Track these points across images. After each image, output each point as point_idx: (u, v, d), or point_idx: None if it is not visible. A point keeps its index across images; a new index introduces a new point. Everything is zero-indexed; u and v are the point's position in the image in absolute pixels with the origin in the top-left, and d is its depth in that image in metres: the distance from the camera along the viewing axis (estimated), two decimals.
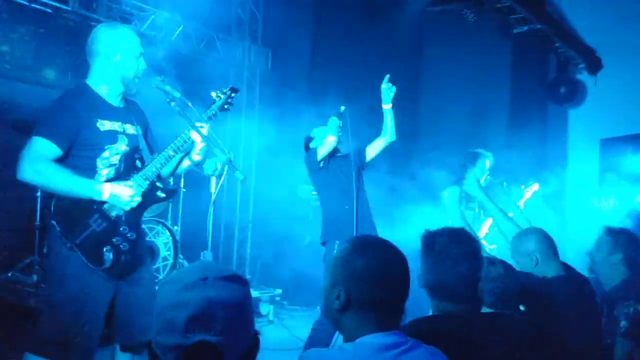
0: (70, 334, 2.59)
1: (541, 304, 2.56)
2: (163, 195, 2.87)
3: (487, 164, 5.40)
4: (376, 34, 7.29)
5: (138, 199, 2.70)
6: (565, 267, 2.86)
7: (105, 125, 2.72)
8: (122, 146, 2.75)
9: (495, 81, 7.78)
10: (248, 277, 7.71)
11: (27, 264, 5.35)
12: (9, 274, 5.28)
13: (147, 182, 2.74)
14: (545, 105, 8.53)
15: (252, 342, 1.27)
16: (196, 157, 2.95)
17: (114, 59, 2.75)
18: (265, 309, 6.63)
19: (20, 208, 6.04)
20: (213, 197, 2.61)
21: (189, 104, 2.90)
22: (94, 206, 2.62)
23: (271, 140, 7.08)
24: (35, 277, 5.28)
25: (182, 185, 6.47)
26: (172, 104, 2.87)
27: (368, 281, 1.61)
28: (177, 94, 2.88)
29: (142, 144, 2.88)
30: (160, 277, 5.74)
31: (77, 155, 2.64)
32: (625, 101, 7.98)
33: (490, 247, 5.56)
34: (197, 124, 2.85)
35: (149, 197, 2.77)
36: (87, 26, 6.65)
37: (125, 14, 6.79)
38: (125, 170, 2.72)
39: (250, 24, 8.11)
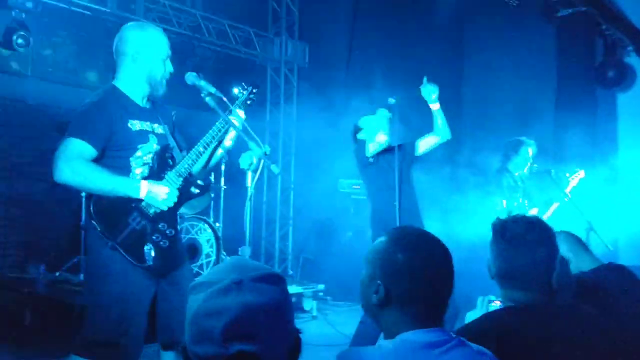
0: (115, 334, 2.59)
1: (595, 295, 2.44)
2: (197, 191, 2.87)
3: (530, 152, 5.23)
4: (415, 22, 7.16)
5: (174, 197, 2.70)
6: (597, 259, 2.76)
7: (136, 125, 2.72)
8: (154, 145, 2.75)
9: (541, 67, 7.54)
10: (290, 272, 7.71)
11: (74, 264, 5.45)
12: (57, 274, 5.39)
13: (181, 179, 2.75)
14: (593, 90, 8.24)
15: (294, 344, 1.19)
16: (228, 142, 2.94)
17: (140, 60, 2.75)
18: (308, 304, 6.61)
19: (66, 208, 6.18)
20: (250, 192, 2.57)
21: (224, 99, 2.88)
22: (132, 204, 2.62)
23: (310, 134, 7.05)
24: (82, 277, 5.37)
25: (222, 182, 6.49)
26: (208, 98, 2.86)
27: (408, 276, 1.53)
28: (213, 89, 2.87)
29: (172, 142, 2.88)
30: (204, 273, 5.76)
31: (111, 156, 2.65)
32: None
33: None
34: (234, 115, 2.85)
35: (183, 194, 2.77)
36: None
37: (163, 14, 6.85)
38: (158, 169, 2.72)
39: (286, 19, 8.09)
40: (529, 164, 5.44)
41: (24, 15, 5.49)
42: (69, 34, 6.53)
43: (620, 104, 8.38)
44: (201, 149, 2.77)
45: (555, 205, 5.30)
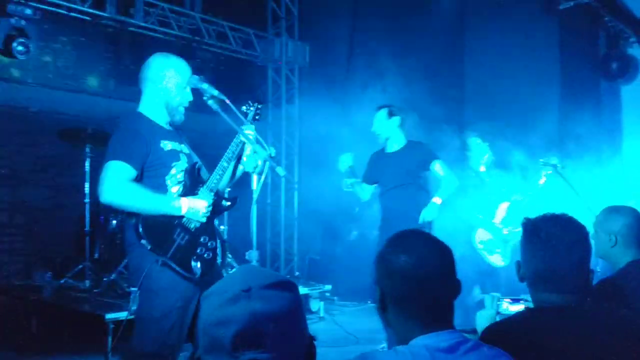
0: (165, 345, 2.71)
1: (620, 293, 2.38)
2: (228, 203, 3.00)
3: (479, 142, 5.51)
4: (415, 19, 7.12)
5: (210, 210, 2.83)
6: None
7: (167, 145, 2.83)
8: (184, 163, 2.87)
9: (544, 60, 7.51)
10: (297, 273, 7.68)
11: (80, 270, 5.43)
12: (63, 281, 5.37)
13: (212, 194, 2.87)
14: (597, 82, 8.21)
15: (308, 350, 1.17)
16: (245, 159, 3.05)
17: (161, 85, 2.86)
18: (315, 305, 6.58)
19: (70, 215, 6.16)
20: (255, 195, 2.56)
21: (227, 101, 2.89)
22: (175, 221, 2.75)
23: (313, 134, 7.02)
24: (87, 283, 5.36)
25: None
26: (210, 102, 2.89)
27: (400, 279, 1.51)
28: (216, 92, 2.90)
29: (198, 160, 3.01)
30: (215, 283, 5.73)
31: (148, 176, 2.77)
32: None
33: (505, 230, 5.44)
34: (246, 131, 2.94)
35: (216, 208, 2.91)
36: (126, 32, 6.74)
37: (163, 17, 6.83)
38: (191, 186, 2.85)
39: (286, 19, 8.05)
40: (486, 156, 5.56)
41: (23, 23, 5.47)
42: (69, 40, 6.51)
43: (624, 95, 8.35)
44: (225, 164, 2.90)
45: (505, 205, 5.41)
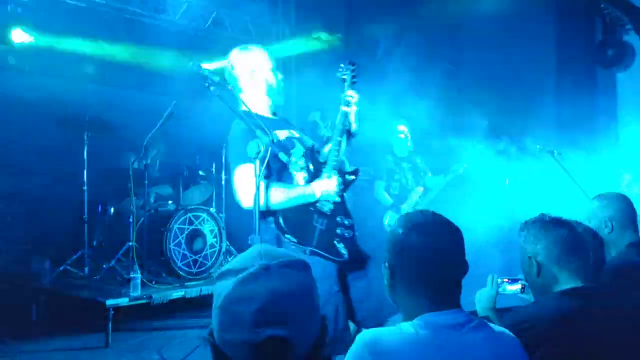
0: (337, 330, 2.73)
1: (628, 277, 2.44)
2: (352, 177, 3.00)
3: (402, 128, 5.80)
4: (410, 5, 7.10)
5: (340, 186, 2.86)
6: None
7: (280, 134, 2.87)
8: (300, 148, 2.90)
9: (540, 46, 7.53)
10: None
11: (79, 257, 5.45)
12: (61, 268, 5.39)
13: (336, 171, 2.88)
14: (593, 68, 8.23)
15: (321, 329, 1.19)
16: (354, 126, 3.03)
17: (251, 79, 2.91)
18: None
19: (68, 203, 6.16)
20: (258, 180, 2.57)
21: (229, 87, 2.89)
22: (310, 208, 2.80)
23: (311, 124, 7.01)
24: (87, 270, 5.38)
25: (223, 173, 6.47)
26: (212, 88, 2.86)
27: (409, 258, 1.56)
28: (217, 78, 2.87)
29: (311, 141, 3.02)
30: (208, 263, 5.78)
31: (273, 169, 2.82)
32: None
33: None
34: (347, 97, 2.96)
35: (343, 184, 2.92)
36: (122, 19, 6.71)
37: (159, 3, 6.80)
38: (314, 168, 2.88)
39: (283, 6, 8.02)
40: (409, 143, 5.88)
41: (19, 10, 5.45)
42: (65, 28, 6.48)
43: (620, 82, 8.38)
44: (338, 138, 2.91)
45: (419, 190, 5.71)
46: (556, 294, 1.90)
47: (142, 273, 5.09)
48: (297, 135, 2.98)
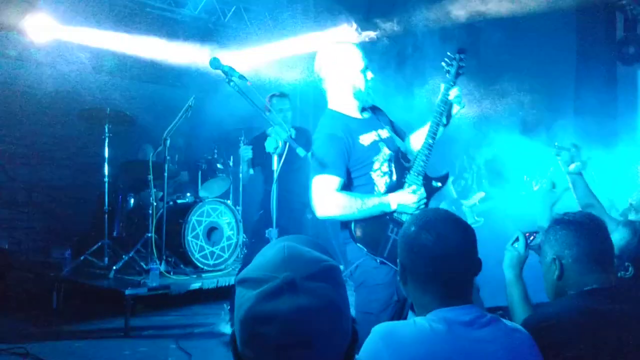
0: None
1: None
2: (438, 184, 2.84)
3: None
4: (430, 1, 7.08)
5: (423, 196, 2.73)
6: None
7: (365, 139, 2.77)
8: (385, 152, 2.79)
9: (560, 43, 7.46)
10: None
11: (99, 247, 5.53)
12: (82, 258, 5.48)
13: (421, 177, 2.77)
14: (614, 65, 8.13)
15: (352, 337, 1.09)
16: (456, 108, 2.86)
17: (341, 78, 2.80)
18: None
19: (88, 193, 6.27)
20: (276, 175, 2.59)
21: (249, 82, 2.89)
22: (387, 217, 2.72)
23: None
24: (106, 260, 5.47)
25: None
26: (232, 83, 2.86)
27: (421, 256, 1.58)
28: (237, 73, 2.88)
29: (399, 142, 2.91)
30: (225, 255, 5.84)
31: (355, 175, 2.74)
32: None
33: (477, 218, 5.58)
34: (450, 95, 2.78)
35: (427, 190, 2.79)
36: (142, 12, 6.78)
37: None
38: (398, 174, 2.77)
39: (302, 1, 8.01)
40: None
41: (42, 2, 5.52)
42: (86, 20, 6.56)
43: None
44: (430, 141, 2.76)
45: (481, 194, 5.72)
46: (579, 294, 1.88)
47: (160, 264, 5.17)
48: (385, 135, 2.84)
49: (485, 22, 7.16)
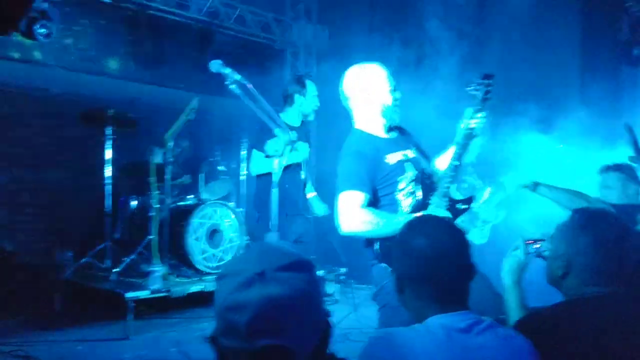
0: None
1: None
2: (464, 206, 2.80)
3: None
4: (433, 3, 7.07)
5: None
6: None
7: (391, 159, 2.77)
8: (410, 173, 2.79)
9: (564, 44, 7.44)
10: (312, 257, 7.73)
11: (101, 250, 5.53)
12: (83, 260, 5.47)
13: (446, 199, 2.74)
14: (618, 67, 8.11)
15: (324, 331, 1.13)
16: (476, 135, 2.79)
17: (367, 98, 2.81)
18: (331, 288, 6.64)
19: (90, 195, 6.26)
20: (275, 178, 2.58)
21: (249, 86, 2.89)
22: None
23: (331, 119, 7.02)
24: (108, 262, 5.46)
25: (243, 169, 6.51)
26: (233, 86, 2.88)
27: (416, 261, 1.58)
28: (238, 77, 2.90)
29: (424, 163, 2.92)
30: (227, 258, 5.83)
31: (381, 194, 2.74)
32: None
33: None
34: (471, 123, 2.71)
35: (452, 212, 2.75)
36: (146, 15, 6.78)
37: (182, 0, 6.85)
38: (423, 195, 2.76)
39: (305, 3, 8.02)
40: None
41: (45, 5, 5.52)
42: (90, 23, 6.57)
43: None
44: (456, 163, 2.73)
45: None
46: (580, 298, 1.84)
47: (162, 266, 5.16)
48: (411, 155, 2.84)
49: (489, 24, 7.15)
